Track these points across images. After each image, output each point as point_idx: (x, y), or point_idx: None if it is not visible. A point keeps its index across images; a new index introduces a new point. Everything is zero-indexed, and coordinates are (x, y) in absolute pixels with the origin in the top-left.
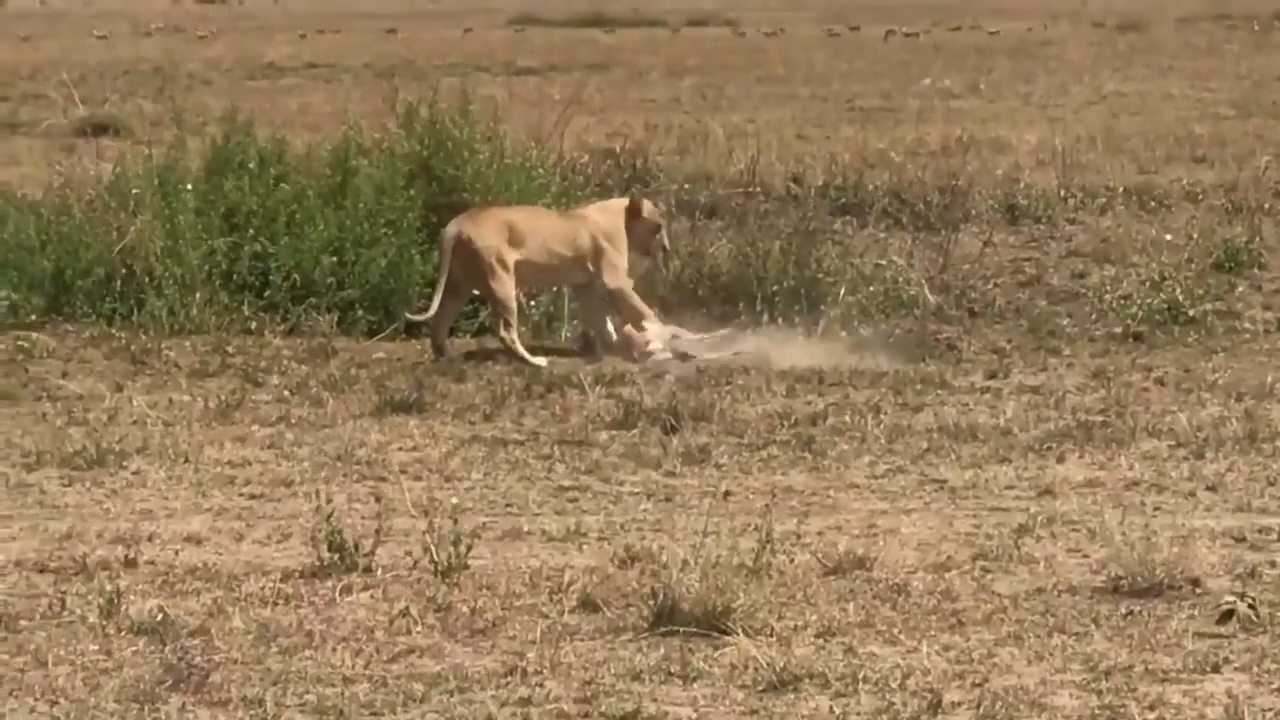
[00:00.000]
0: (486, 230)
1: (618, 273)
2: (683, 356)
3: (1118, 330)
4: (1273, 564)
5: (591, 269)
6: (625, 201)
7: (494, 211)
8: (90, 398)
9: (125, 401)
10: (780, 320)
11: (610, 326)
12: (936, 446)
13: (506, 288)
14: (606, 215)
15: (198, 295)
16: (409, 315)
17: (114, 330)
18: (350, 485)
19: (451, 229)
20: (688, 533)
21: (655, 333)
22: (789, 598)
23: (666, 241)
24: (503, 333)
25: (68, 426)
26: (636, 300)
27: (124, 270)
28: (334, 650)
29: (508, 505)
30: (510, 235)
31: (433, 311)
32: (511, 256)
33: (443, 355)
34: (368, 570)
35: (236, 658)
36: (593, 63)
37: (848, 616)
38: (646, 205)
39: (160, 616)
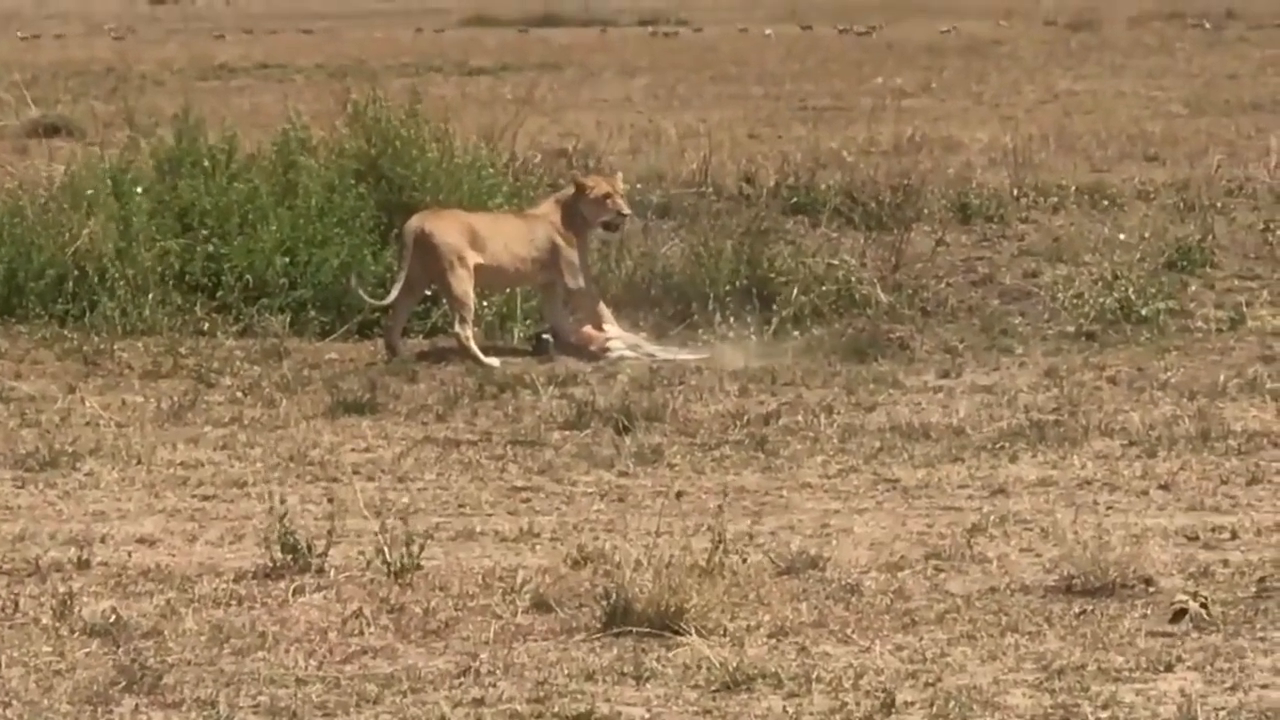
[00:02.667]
0: (448, 227)
1: (576, 272)
2: (643, 355)
3: (1070, 329)
4: (1225, 563)
5: (552, 269)
6: (572, 189)
7: (457, 212)
8: (43, 399)
9: (78, 403)
10: (733, 320)
11: (567, 325)
12: (889, 446)
13: (464, 285)
14: (559, 212)
15: (150, 296)
16: (364, 295)
17: (67, 331)
18: (303, 486)
19: (414, 223)
20: (641, 533)
21: (615, 333)
22: (742, 598)
23: (624, 206)
24: (457, 328)
25: (20, 428)
26: (597, 301)
27: (77, 271)
28: (287, 651)
29: (460, 506)
30: (472, 238)
31: (391, 298)
32: (472, 259)
33: (396, 355)
34: (321, 571)
35: (190, 659)
36: (545, 62)
37: (801, 616)
38: (589, 180)
39: (113, 618)
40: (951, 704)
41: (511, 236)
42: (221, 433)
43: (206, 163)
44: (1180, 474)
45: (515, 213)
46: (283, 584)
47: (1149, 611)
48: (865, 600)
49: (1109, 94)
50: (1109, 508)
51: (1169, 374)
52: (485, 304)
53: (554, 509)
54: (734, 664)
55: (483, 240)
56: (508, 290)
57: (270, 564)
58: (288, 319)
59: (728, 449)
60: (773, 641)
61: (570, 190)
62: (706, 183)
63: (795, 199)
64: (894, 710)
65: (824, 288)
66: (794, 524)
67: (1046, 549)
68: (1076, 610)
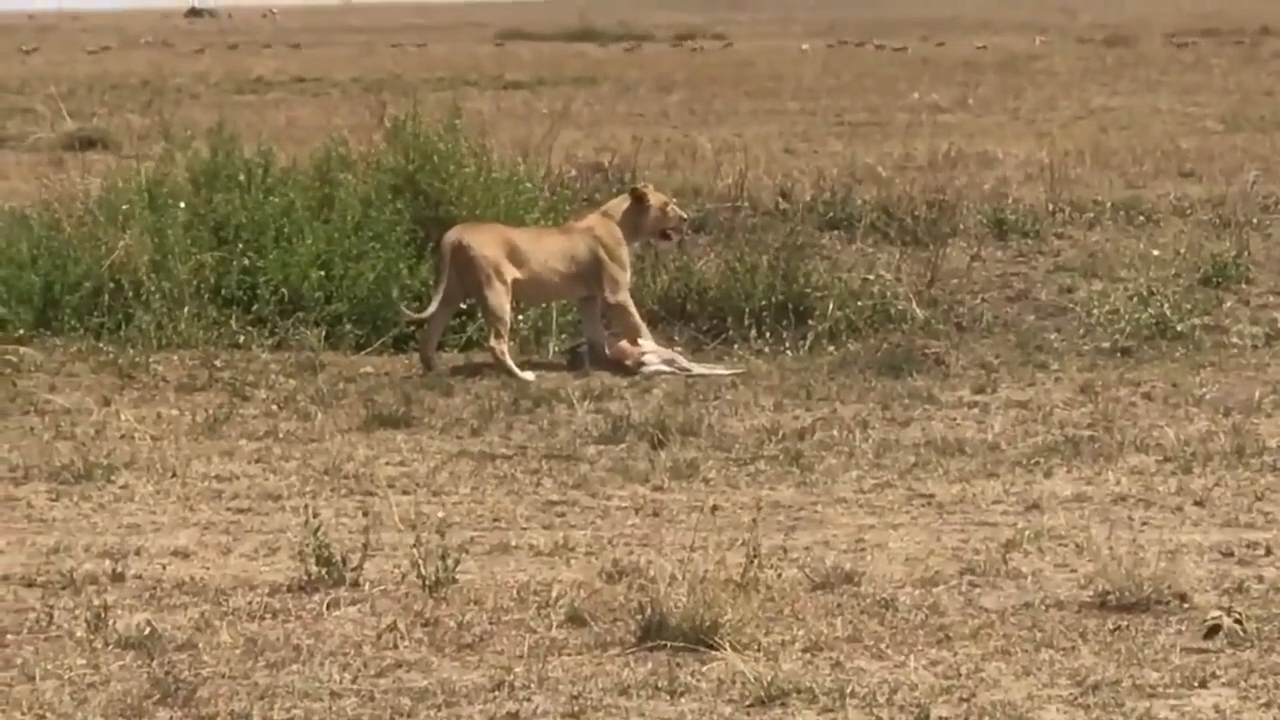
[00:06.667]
0: (486, 240)
1: (619, 288)
2: (678, 370)
3: (1105, 345)
4: (1260, 579)
5: (592, 283)
6: (626, 201)
7: (495, 226)
8: (78, 412)
9: (113, 415)
10: (768, 335)
11: (603, 339)
12: (924, 461)
13: (500, 299)
14: (608, 226)
15: (186, 309)
16: (403, 308)
17: (102, 344)
18: (338, 499)
19: (452, 235)
20: (675, 547)
21: (650, 347)
22: (776, 613)
23: (682, 211)
24: (493, 342)
25: (55, 440)
26: (635, 316)
27: (112, 284)
28: (321, 665)
29: (495, 520)
30: (511, 252)
31: (430, 311)
32: (510, 273)
33: (431, 369)
34: (355, 585)
35: (224, 672)
36: (580, 76)
37: (835, 631)
38: (649, 192)
39: (148, 631)
40: (986, 719)
41: (552, 251)
42: (256, 446)
43: (242, 176)
44: (1215, 490)
45: (557, 226)
46: (317, 597)
47: (1183, 627)
48: (900, 615)
49: (1144, 110)
50: (1144, 523)
51: (1204, 390)
52: (521, 318)
53: (589, 523)
54: (768, 679)
55: (522, 254)
56: (544, 304)
57: (305, 577)
58: (323, 332)
59: (762, 464)
60: (807, 656)
61: (623, 202)
62: (742, 198)
63: (831, 214)
64: None
65: (859, 303)
66: (829, 539)
67: (1081, 565)
68: (1111, 626)
